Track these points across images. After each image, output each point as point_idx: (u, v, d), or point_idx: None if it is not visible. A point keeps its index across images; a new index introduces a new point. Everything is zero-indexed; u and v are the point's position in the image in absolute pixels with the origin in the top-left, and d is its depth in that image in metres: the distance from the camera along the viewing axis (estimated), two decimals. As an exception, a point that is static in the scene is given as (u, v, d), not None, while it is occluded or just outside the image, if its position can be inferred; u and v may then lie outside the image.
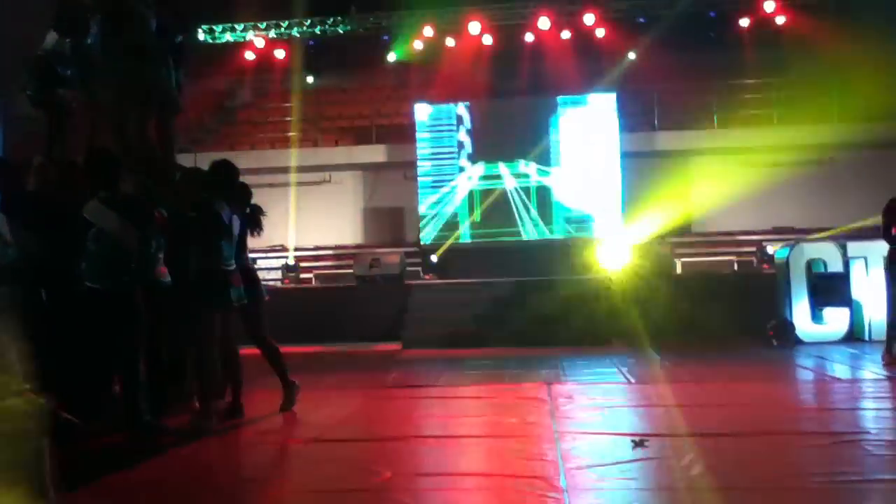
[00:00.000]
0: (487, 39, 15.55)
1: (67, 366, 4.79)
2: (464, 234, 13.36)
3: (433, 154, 13.70)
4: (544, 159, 13.37)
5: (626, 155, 13.57)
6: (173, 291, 5.15)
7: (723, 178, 13.51)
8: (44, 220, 4.73)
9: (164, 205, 5.17)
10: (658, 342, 8.33)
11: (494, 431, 4.64)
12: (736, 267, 12.66)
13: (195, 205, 5.00)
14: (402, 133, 14.99)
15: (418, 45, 15.70)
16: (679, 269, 11.79)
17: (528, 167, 13.35)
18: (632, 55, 15.31)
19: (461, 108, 13.91)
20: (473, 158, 13.56)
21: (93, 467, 3.77)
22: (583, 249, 12.26)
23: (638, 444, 4.04)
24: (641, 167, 14.13)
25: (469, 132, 13.69)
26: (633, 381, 6.43)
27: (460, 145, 13.67)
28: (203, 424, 4.77)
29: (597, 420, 4.92)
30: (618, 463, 3.73)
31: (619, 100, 13.54)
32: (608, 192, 13.16)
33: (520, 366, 7.39)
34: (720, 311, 8.92)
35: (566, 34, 15.47)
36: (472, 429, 4.75)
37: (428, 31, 15.51)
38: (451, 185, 13.52)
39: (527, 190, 13.30)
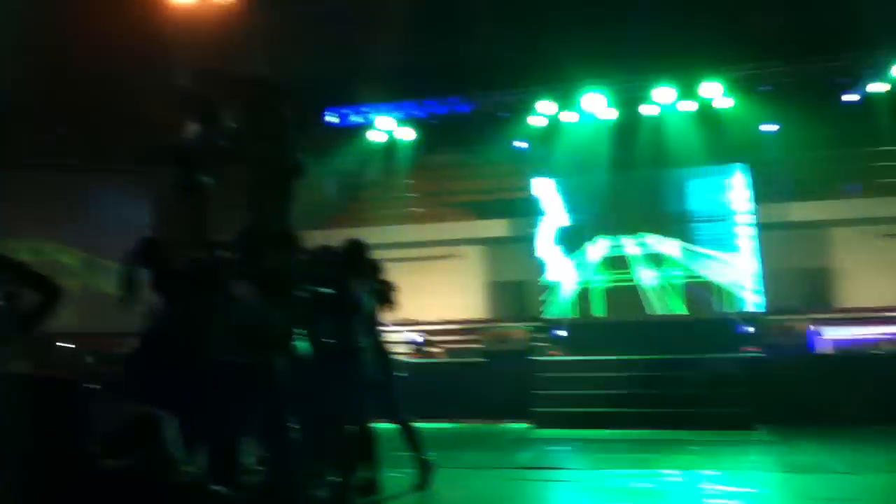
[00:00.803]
0: (606, 113, 15.48)
1: (211, 437, 4.89)
2: (590, 309, 13.05)
3: (555, 228, 13.59)
4: (671, 232, 13.00)
5: (760, 227, 13.01)
6: (310, 366, 5.20)
7: (864, 250, 12.72)
8: (189, 295, 4.90)
9: (302, 281, 5.28)
10: (801, 427, 7.74)
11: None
12: (882, 345, 11.72)
13: (330, 282, 5.08)
14: (524, 207, 14.99)
15: (537, 120, 15.81)
16: (821, 348, 11.01)
17: (655, 241, 13.01)
18: (762, 126, 14.85)
19: (581, 182, 13.81)
20: (596, 232, 13.35)
21: None
22: (717, 327, 11.69)
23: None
24: (777, 240, 13.51)
25: (590, 206, 13.53)
26: (781, 470, 5.94)
27: (582, 219, 13.51)
28: (342, 497, 4.73)
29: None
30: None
31: (749, 171, 13.07)
32: (742, 267, 12.59)
33: (656, 449, 7.02)
34: (866, 394, 8.23)
35: (689, 106, 15.20)
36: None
37: (546, 107, 15.62)
38: (574, 258, 13.33)
39: (653, 263, 12.92)
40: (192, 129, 5.90)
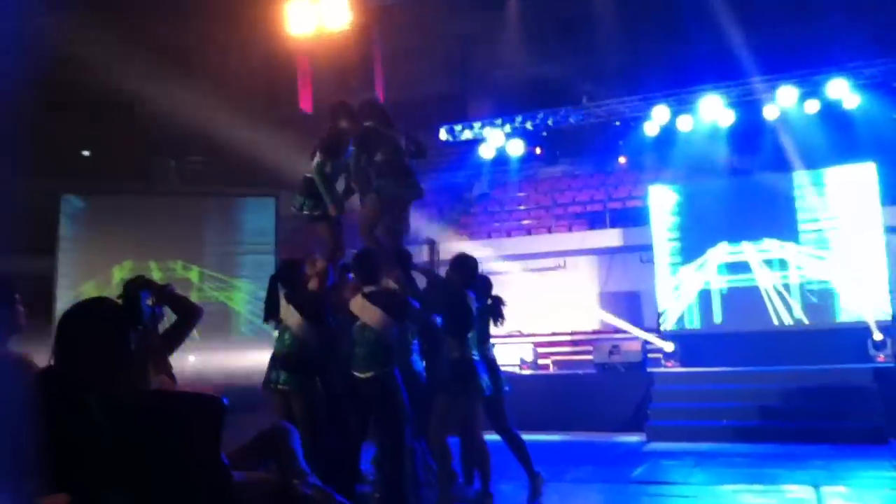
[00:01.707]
0: (724, 117, 15.07)
1: (337, 450, 5.17)
2: (708, 318, 12.71)
3: (671, 236, 13.31)
4: (792, 237, 12.49)
5: (890, 230, 12.32)
6: (422, 382, 5.41)
7: None
8: (322, 314, 5.22)
9: (418, 298, 5.50)
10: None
11: (759, 539, 4.27)
12: None
13: (447, 296, 5.27)
14: (637, 216, 14.79)
15: (652, 127, 15.58)
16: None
17: (775, 246, 12.53)
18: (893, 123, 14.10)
19: (699, 188, 13.47)
20: (714, 238, 12.98)
21: None
22: (844, 335, 11.16)
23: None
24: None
25: (709, 212, 13.16)
26: (919, 487, 5.65)
27: (699, 226, 13.16)
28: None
29: (880, 532, 4.39)
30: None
31: (879, 170, 12.40)
32: (870, 272, 11.93)
33: (781, 464, 6.79)
34: None
35: (813, 106, 14.59)
36: (733, 534, 4.42)
37: (661, 113, 15.37)
38: (691, 267, 13.02)
39: (774, 269, 12.45)
40: (318, 159, 6.23)
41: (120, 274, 13.31)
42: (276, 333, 5.52)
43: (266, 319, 5.41)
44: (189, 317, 3.12)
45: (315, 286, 5.37)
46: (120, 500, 2.74)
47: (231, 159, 17.53)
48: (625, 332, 12.83)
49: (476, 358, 5.12)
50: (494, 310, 5.65)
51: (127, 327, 2.90)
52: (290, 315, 5.16)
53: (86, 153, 18.58)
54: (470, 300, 5.15)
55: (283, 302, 5.23)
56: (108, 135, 17.81)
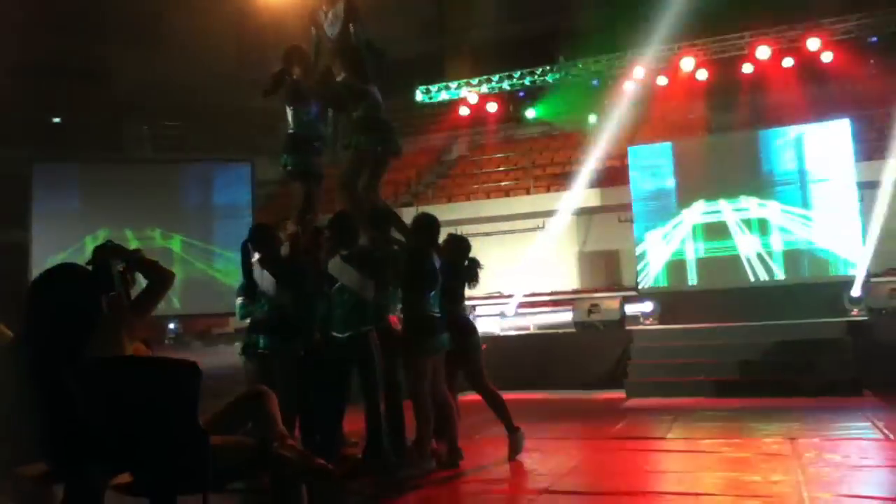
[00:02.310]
0: (702, 74, 15.05)
1: (312, 410, 5.19)
2: (686, 276, 12.81)
3: (649, 195, 13.33)
4: (770, 195, 12.56)
5: (862, 185, 12.42)
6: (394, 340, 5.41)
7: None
8: (296, 279, 5.20)
9: (395, 257, 5.49)
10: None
11: (736, 490, 4.34)
12: None
13: (409, 254, 5.27)
14: (616, 176, 14.80)
15: (630, 86, 15.51)
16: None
17: (752, 204, 12.59)
18: (869, 79, 14.15)
19: (677, 147, 13.46)
20: (692, 197, 13.02)
21: None
22: (821, 291, 11.30)
23: (907, 512, 3.62)
24: (882, 198, 12.87)
25: (686, 171, 13.18)
26: (891, 436, 5.76)
27: (677, 185, 13.18)
28: (423, 466, 4.93)
29: (852, 482, 4.48)
30: (885, 532, 3.36)
31: (852, 126, 12.45)
32: (845, 228, 12.04)
33: (758, 418, 6.90)
34: None
35: (789, 62, 14.60)
36: (710, 486, 4.49)
37: (638, 72, 15.30)
38: (669, 226, 13.07)
39: (752, 227, 12.53)
40: (291, 114, 6.16)
41: (94, 244, 13.19)
42: (238, 302, 5.50)
43: (244, 288, 5.37)
44: (160, 282, 3.07)
45: (288, 250, 5.33)
46: (96, 467, 2.74)
47: (205, 125, 17.32)
48: (605, 290, 12.93)
49: (437, 315, 5.11)
50: (469, 272, 5.65)
51: (96, 293, 2.87)
52: (264, 279, 5.12)
53: (57, 120, 18.25)
54: (432, 260, 5.14)
55: (257, 266, 5.19)
56: (79, 102, 17.50)
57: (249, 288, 5.25)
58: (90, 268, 2.97)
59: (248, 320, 5.40)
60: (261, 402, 3.09)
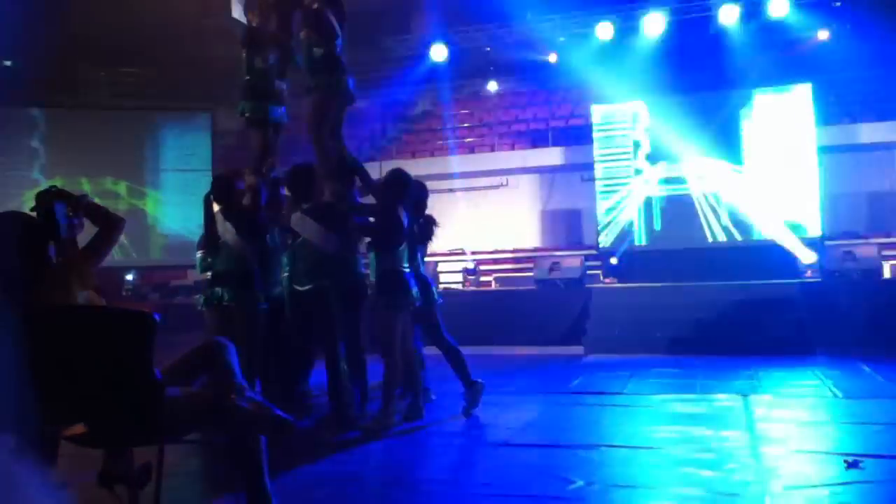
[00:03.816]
0: (667, 34, 15.02)
1: (274, 362, 5.18)
2: (645, 236, 12.96)
3: (611, 155, 13.38)
4: (731, 157, 12.69)
5: (823, 150, 12.62)
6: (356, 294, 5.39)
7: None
8: (259, 230, 5.13)
9: (356, 209, 5.44)
10: (865, 353, 7.70)
11: (688, 444, 4.44)
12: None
13: (377, 210, 5.22)
14: (579, 135, 14.82)
15: (595, 44, 15.45)
16: (887, 273, 10.79)
17: (713, 166, 12.72)
18: (831, 44, 14.27)
19: (640, 107, 13.49)
20: (654, 158, 13.11)
21: (284, 460, 3.90)
22: (777, 253, 11.52)
23: (851, 465, 3.74)
24: (841, 162, 13.12)
25: (649, 131, 13.24)
26: (840, 395, 5.94)
27: (640, 145, 13.25)
28: (385, 422, 4.96)
29: (801, 437, 4.61)
30: (830, 485, 3.46)
31: (814, 90, 12.59)
32: (804, 191, 12.25)
33: (711, 374, 7.05)
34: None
35: (753, 24, 14.64)
36: (663, 440, 4.58)
37: (604, 30, 15.22)
38: (630, 185, 13.17)
39: (712, 190, 12.67)
40: (259, 62, 5.99)
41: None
42: (199, 255, 5.41)
43: (204, 241, 5.28)
44: (109, 228, 2.98)
45: (248, 201, 5.25)
46: (50, 419, 2.68)
47: (164, 72, 16.83)
48: (566, 249, 13.02)
49: (407, 270, 5.11)
50: (424, 230, 5.64)
51: (42, 240, 2.78)
52: (226, 231, 5.05)
53: (8, 63, 17.58)
54: (401, 214, 5.10)
55: (219, 218, 5.10)
56: (32, 44, 16.83)
57: (210, 240, 5.17)
58: (34, 214, 2.88)
59: (208, 273, 5.33)
60: (218, 352, 3.06)
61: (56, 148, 13.60)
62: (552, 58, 16.28)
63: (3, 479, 1.87)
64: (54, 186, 3.03)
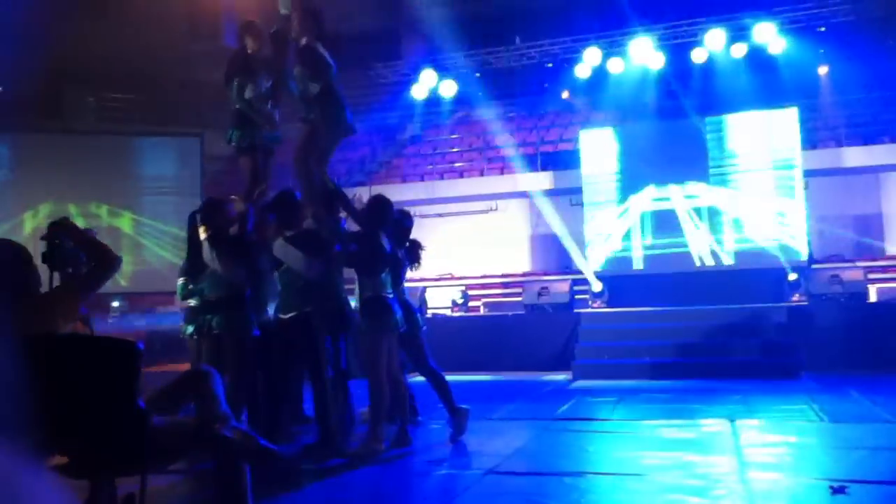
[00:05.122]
0: (654, 60, 15.19)
1: (261, 393, 5.15)
2: (634, 261, 13.00)
3: (600, 179, 13.46)
4: (719, 180, 12.79)
5: (808, 173, 12.73)
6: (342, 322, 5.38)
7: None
8: (249, 256, 5.12)
9: (338, 237, 5.44)
10: (853, 376, 7.73)
11: (675, 470, 4.43)
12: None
13: (359, 236, 5.23)
14: (568, 159, 14.90)
15: (583, 69, 15.60)
16: (873, 296, 10.86)
17: (701, 189, 12.81)
18: (817, 69, 14.47)
19: (628, 131, 13.60)
20: (642, 182, 13.19)
21: (269, 488, 3.86)
22: (765, 277, 11.58)
23: (837, 491, 3.74)
24: (827, 186, 13.24)
25: (637, 155, 13.33)
26: (826, 419, 5.95)
27: (628, 169, 13.33)
28: (372, 446, 4.93)
29: (788, 461, 4.62)
30: (817, 511, 3.46)
31: (800, 114, 12.73)
32: (790, 214, 12.35)
33: (700, 399, 7.05)
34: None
35: (739, 50, 14.83)
36: (650, 467, 4.57)
37: (592, 56, 15.38)
38: (619, 210, 13.23)
39: (700, 214, 12.75)
40: (250, 90, 6.02)
41: (33, 221, 12.77)
42: (180, 282, 5.39)
43: (187, 267, 5.26)
44: (104, 266, 2.98)
45: (236, 229, 5.24)
46: (31, 447, 2.66)
47: (153, 96, 16.86)
48: (554, 274, 13.03)
49: (390, 296, 5.11)
50: (411, 254, 5.64)
51: (29, 269, 2.78)
52: (214, 258, 5.02)
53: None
54: (382, 240, 5.11)
55: (205, 246, 5.08)
56: (20, 69, 16.84)
57: (193, 267, 5.14)
58: (45, 243, 2.90)
59: (190, 301, 5.29)
60: (203, 381, 3.04)
61: (40, 174, 13.53)
62: (542, 83, 16.43)
63: (6, 482, 1.85)
64: (65, 218, 3.05)
